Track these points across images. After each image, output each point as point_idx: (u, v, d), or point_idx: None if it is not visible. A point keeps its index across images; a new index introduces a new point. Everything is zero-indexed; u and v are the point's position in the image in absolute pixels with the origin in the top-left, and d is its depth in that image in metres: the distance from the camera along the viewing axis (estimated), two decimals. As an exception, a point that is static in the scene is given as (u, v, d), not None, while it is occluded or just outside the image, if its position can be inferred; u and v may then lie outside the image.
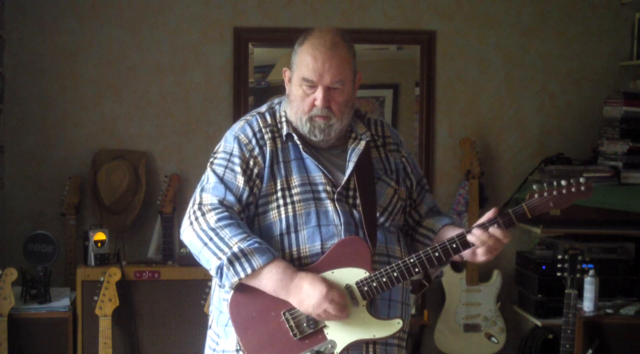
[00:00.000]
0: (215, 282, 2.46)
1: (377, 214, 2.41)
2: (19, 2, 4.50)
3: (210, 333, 2.49)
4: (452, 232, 2.39)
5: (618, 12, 4.84)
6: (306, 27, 4.58)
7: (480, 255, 2.33)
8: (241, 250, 2.25)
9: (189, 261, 4.14)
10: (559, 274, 3.92)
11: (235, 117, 4.64)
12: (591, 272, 4.04)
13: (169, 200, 4.34)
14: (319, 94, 2.36)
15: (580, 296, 4.05)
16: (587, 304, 4.07)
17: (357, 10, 4.72)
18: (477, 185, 4.61)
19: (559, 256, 3.94)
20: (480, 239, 2.28)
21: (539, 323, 4.36)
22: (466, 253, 2.34)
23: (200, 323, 4.04)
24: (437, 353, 4.69)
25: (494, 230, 2.28)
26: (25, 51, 4.54)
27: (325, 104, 2.36)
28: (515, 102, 4.84)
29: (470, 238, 2.30)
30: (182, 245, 4.47)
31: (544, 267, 4.36)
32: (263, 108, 2.50)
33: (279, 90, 4.73)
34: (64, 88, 4.58)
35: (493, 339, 4.59)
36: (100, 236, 4.14)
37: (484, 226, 2.30)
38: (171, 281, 4.13)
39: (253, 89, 4.69)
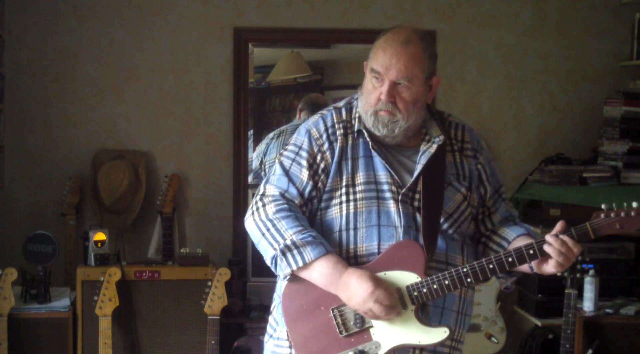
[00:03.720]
0: None
1: (442, 220, 2.36)
2: (19, 2, 4.50)
3: (270, 319, 2.51)
4: (524, 243, 2.34)
5: (618, 12, 4.84)
6: (306, 27, 4.67)
7: (551, 266, 2.31)
8: (294, 243, 2.27)
9: (189, 261, 4.15)
10: (559, 274, 3.91)
11: (235, 117, 4.65)
12: (591, 272, 4.04)
13: (168, 200, 4.34)
14: (384, 88, 2.34)
15: (580, 296, 4.04)
16: (587, 304, 4.07)
17: (357, 10, 4.71)
18: (477, 185, 4.60)
19: (559, 256, 3.93)
20: (553, 246, 2.26)
21: (539, 323, 4.36)
22: (535, 264, 2.32)
23: (200, 323, 4.04)
24: (437, 353, 4.69)
25: (564, 237, 2.27)
26: (25, 51, 4.54)
27: (389, 99, 2.33)
28: (515, 102, 4.84)
29: (545, 247, 2.26)
30: (182, 245, 4.48)
31: (544, 267, 4.35)
32: (341, 103, 2.49)
33: (279, 90, 4.73)
34: (64, 88, 4.58)
35: (493, 339, 4.59)
36: (100, 236, 4.14)
37: (556, 235, 2.27)
38: (171, 281, 4.12)
39: (253, 89, 4.68)
